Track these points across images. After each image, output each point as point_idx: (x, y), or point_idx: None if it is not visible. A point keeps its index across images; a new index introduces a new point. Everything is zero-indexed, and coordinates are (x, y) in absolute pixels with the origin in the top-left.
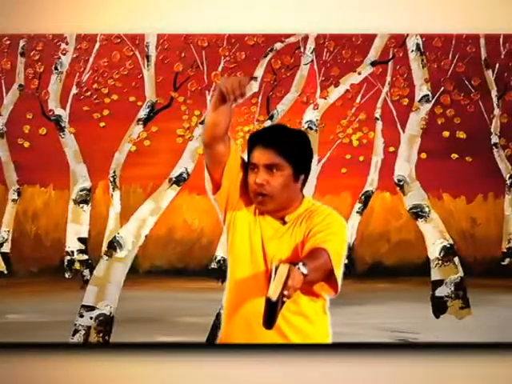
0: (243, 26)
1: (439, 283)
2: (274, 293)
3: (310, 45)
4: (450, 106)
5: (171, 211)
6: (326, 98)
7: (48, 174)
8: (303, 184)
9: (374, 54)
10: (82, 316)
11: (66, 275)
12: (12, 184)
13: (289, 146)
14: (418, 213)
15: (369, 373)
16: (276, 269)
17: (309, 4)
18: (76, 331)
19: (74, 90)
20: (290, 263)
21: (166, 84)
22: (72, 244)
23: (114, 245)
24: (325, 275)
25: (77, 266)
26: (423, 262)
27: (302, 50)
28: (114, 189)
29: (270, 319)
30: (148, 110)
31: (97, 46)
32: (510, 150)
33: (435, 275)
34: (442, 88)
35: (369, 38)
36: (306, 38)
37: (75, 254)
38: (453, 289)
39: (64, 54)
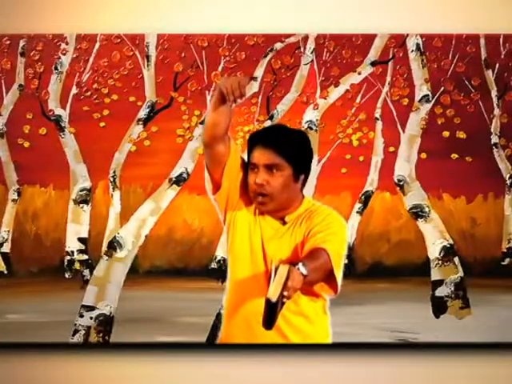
0: (243, 25)
1: (439, 283)
2: (273, 294)
3: (310, 45)
4: (450, 106)
5: (171, 211)
6: (326, 98)
7: (48, 173)
8: (303, 184)
9: (373, 53)
10: (81, 316)
11: (66, 275)
12: (12, 184)
13: (289, 146)
14: (418, 213)
15: (369, 373)
16: (276, 269)
17: (309, 4)
18: (76, 331)
19: (74, 90)
20: (289, 264)
21: (165, 84)
22: (72, 244)
23: (113, 245)
24: (325, 275)
25: (77, 266)
26: (423, 262)
27: (301, 49)
28: (114, 189)
29: (269, 320)
30: (148, 110)
31: (97, 46)
32: (510, 149)
33: (435, 275)
34: (442, 88)
35: (369, 38)
36: (306, 38)
37: (75, 254)
38: (453, 289)
39: (64, 54)
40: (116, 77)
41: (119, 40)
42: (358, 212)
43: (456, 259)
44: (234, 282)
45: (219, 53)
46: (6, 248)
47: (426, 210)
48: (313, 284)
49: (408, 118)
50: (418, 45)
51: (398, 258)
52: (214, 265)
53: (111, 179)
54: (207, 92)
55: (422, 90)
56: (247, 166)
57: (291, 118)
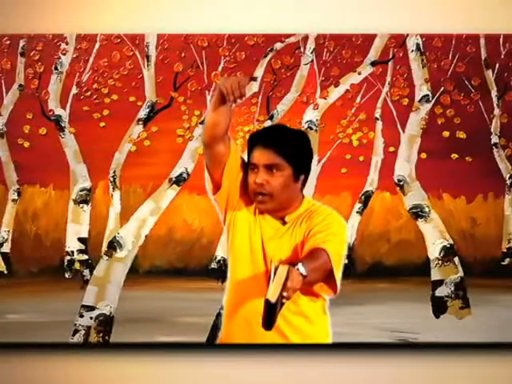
0: (243, 25)
1: (439, 283)
2: (272, 294)
3: (310, 45)
4: (450, 106)
5: (171, 211)
6: (326, 98)
7: (48, 173)
8: (303, 184)
9: (373, 53)
10: (81, 316)
11: (66, 275)
12: (12, 184)
13: (289, 146)
14: (418, 213)
15: (369, 373)
16: (275, 270)
17: (309, 4)
18: (76, 331)
19: (74, 90)
20: (289, 264)
21: (166, 84)
22: (72, 244)
23: (114, 245)
24: (324, 275)
25: (77, 266)
26: (423, 262)
27: (302, 49)
28: (114, 189)
29: (269, 320)
30: (148, 110)
31: (97, 46)
32: (510, 149)
33: (435, 275)
34: (442, 88)
35: (369, 38)
36: (306, 38)
37: (75, 254)
38: (453, 289)
39: (64, 54)
40: (116, 77)
41: (119, 40)
42: (357, 212)
43: (456, 259)
44: (234, 281)
45: (219, 53)
46: (6, 248)
47: (426, 209)
48: (312, 284)
49: (408, 118)
50: (417, 45)
51: (398, 257)
52: (214, 265)
53: (111, 179)
54: (207, 92)
55: (422, 89)
56: (247, 166)
57: (291, 117)
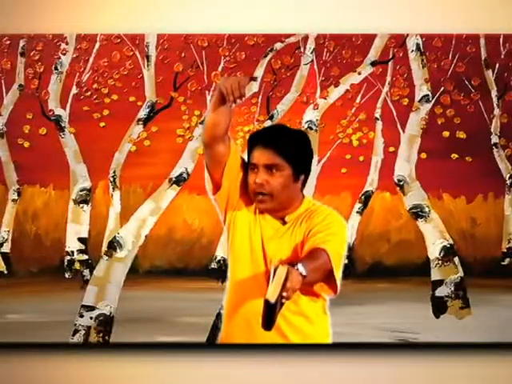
0: (243, 25)
1: (439, 283)
2: (272, 295)
3: (310, 45)
4: (450, 106)
5: (171, 211)
6: (326, 98)
7: (48, 173)
8: (303, 184)
9: (373, 53)
10: (81, 316)
11: (66, 275)
12: (12, 184)
13: (289, 146)
14: (418, 213)
15: (369, 373)
16: (274, 270)
17: (309, 4)
18: (76, 331)
19: (74, 90)
20: (288, 264)
21: (166, 84)
22: (72, 244)
23: (114, 245)
24: (324, 275)
25: (77, 266)
26: (423, 262)
27: (302, 49)
28: (114, 189)
29: (268, 320)
30: (148, 110)
31: (97, 46)
32: (510, 149)
33: (435, 275)
34: (442, 88)
35: (369, 38)
36: (306, 38)
37: (75, 253)
38: (453, 289)
39: (64, 54)
40: (116, 77)
41: (119, 40)
42: (358, 212)
43: (456, 259)
44: (234, 281)
45: (219, 53)
46: (6, 248)
47: (426, 209)
48: (312, 284)
49: (408, 118)
50: (417, 45)
51: (398, 257)
52: (214, 265)
53: (111, 179)
54: (207, 92)
55: (422, 89)
56: (247, 166)
57: (291, 117)
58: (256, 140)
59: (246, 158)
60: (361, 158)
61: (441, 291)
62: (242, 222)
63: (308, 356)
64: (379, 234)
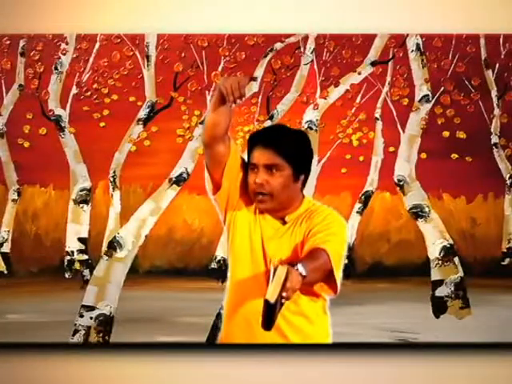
0: (243, 25)
1: (439, 283)
2: (272, 295)
3: (310, 45)
4: (450, 106)
5: (171, 211)
6: (326, 98)
7: (48, 173)
8: (303, 184)
9: (373, 53)
10: (82, 316)
11: (66, 275)
12: (12, 184)
13: (289, 146)
14: (418, 213)
15: (369, 373)
16: (274, 270)
17: (309, 4)
18: (76, 331)
19: (74, 90)
20: (288, 264)
21: (166, 84)
22: (72, 244)
23: (114, 245)
24: (324, 276)
25: (77, 266)
26: (423, 262)
27: (302, 49)
28: (114, 189)
29: (268, 321)
30: (148, 110)
31: (97, 46)
32: (510, 149)
33: (435, 275)
34: (442, 88)
35: (369, 38)
36: (306, 38)
37: (75, 253)
38: (453, 289)
39: (64, 54)
40: (116, 77)
41: (119, 40)
42: (358, 212)
43: (456, 259)
44: (234, 281)
45: (219, 53)
46: (6, 248)
47: (426, 209)
48: (312, 284)
49: (408, 118)
50: (417, 45)
51: (398, 257)
52: (214, 265)
53: (111, 179)
54: (207, 92)
55: (422, 89)
56: (247, 166)
57: (291, 117)
58: (256, 140)
59: (246, 158)
60: (361, 158)
61: (441, 291)
62: (242, 222)
63: (308, 356)
64: (379, 234)
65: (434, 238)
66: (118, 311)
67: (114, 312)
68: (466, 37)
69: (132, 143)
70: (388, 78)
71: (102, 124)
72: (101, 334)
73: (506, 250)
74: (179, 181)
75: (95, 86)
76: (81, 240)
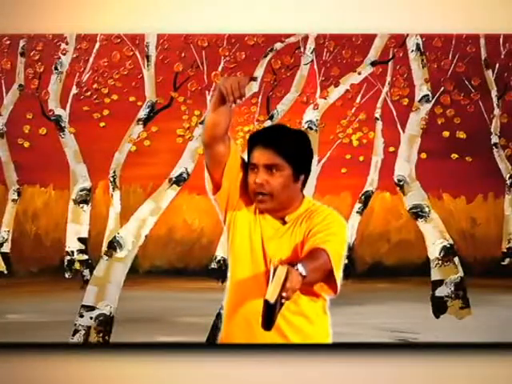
0: (243, 25)
1: (439, 283)
2: (271, 295)
3: (310, 45)
4: (450, 105)
5: (171, 211)
6: (326, 98)
7: (48, 173)
8: (303, 184)
9: (373, 54)
10: (81, 316)
11: (66, 275)
12: (12, 184)
13: (289, 146)
14: (418, 213)
15: (369, 373)
16: (274, 270)
17: (309, 4)
18: (76, 331)
19: (74, 90)
20: (288, 264)
21: (166, 84)
22: (72, 244)
23: (114, 245)
24: (324, 276)
25: (77, 266)
26: (423, 262)
27: (302, 49)
28: (114, 189)
29: (268, 321)
30: (148, 110)
31: (97, 46)
32: (510, 149)
33: (435, 275)
34: (442, 88)
35: (369, 38)
36: (306, 38)
37: (75, 253)
38: (453, 289)
39: (64, 54)
40: (116, 77)
41: (119, 40)
42: (358, 212)
43: (456, 259)
44: (234, 281)
45: (219, 53)
46: (6, 248)
47: (426, 210)
48: (312, 284)
49: (408, 118)
50: (417, 45)
51: (398, 257)
52: (214, 265)
53: (111, 179)
54: (207, 92)
55: (422, 89)
56: (247, 166)
57: (291, 118)
58: (256, 140)
59: (246, 158)
60: (361, 158)
61: (441, 291)
62: (242, 222)
63: (308, 356)
64: (379, 234)
65: (434, 237)
66: (118, 311)
67: (114, 312)
68: (466, 37)
69: (132, 143)
70: (388, 78)
71: (102, 124)
72: (101, 334)
73: (506, 250)
74: (179, 181)
75: (95, 86)
76: (81, 240)
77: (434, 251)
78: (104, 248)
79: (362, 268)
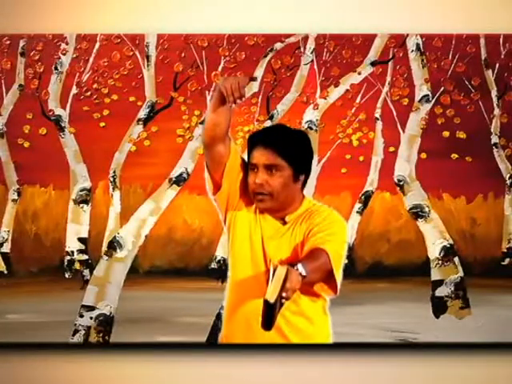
0: (243, 26)
1: (439, 283)
2: (271, 295)
3: (310, 45)
4: (449, 105)
5: (171, 211)
6: (326, 98)
7: (48, 173)
8: (303, 184)
9: (373, 54)
10: (81, 316)
11: (66, 275)
12: (12, 184)
13: (289, 146)
14: (418, 213)
15: (369, 373)
16: (274, 270)
17: (309, 4)
18: (76, 331)
19: (74, 90)
20: (288, 264)
21: (165, 84)
22: (72, 244)
23: (114, 245)
24: (324, 276)
25: (77, 266)
26: (423, 262)
27: (302, 49)
28: (114, 189)
29: (268, 321)
30: (148, 110)
31: (97, 46)
32: (510, 149)
33: (435, 275)
34: (442, 88)
35: (369, 38)
36: (306, 38)
37: (75, 254)
38: (453, 289)
39: (64, 54)
40: (116, 77)
41: (119, 40)
42: (358, 212)
43: (456, 259)
44: (234, 281)
45: (219, 53)
46: (6, 248)
47: (426, 209)
48: (313, 284)
49: (408, 118)
50: (418, 45)
51: (398, 258)
52: (214, 265)
53: (111, 179)
54: (207, 92)
55: (422, 89)
56: (247, 166)
57: (291, 118)
58: (256, 140)
59: (246, 158)
60: (361, 158)
61: (441, 291)
62: (242, 222)
63: (308, 356)
64: (379, 234)
65: (434, 237)
66: (118, 311)
67: (114, 312)
68: (466, 37)
69: (132, 143)
70: (388, 78)
71: (102, 124)
72: (101, 334)
73: (506, 250)
74: (179, 181)
75: (95, 86)
76: (81, 240)
77: (433, 251)
78: (104, 248)
79: (362, 268)
